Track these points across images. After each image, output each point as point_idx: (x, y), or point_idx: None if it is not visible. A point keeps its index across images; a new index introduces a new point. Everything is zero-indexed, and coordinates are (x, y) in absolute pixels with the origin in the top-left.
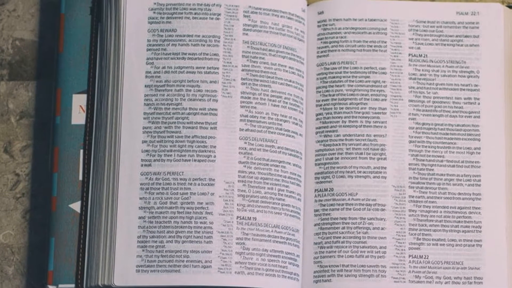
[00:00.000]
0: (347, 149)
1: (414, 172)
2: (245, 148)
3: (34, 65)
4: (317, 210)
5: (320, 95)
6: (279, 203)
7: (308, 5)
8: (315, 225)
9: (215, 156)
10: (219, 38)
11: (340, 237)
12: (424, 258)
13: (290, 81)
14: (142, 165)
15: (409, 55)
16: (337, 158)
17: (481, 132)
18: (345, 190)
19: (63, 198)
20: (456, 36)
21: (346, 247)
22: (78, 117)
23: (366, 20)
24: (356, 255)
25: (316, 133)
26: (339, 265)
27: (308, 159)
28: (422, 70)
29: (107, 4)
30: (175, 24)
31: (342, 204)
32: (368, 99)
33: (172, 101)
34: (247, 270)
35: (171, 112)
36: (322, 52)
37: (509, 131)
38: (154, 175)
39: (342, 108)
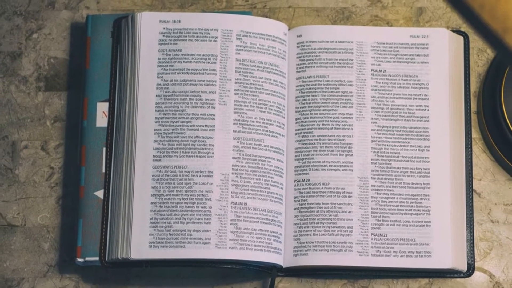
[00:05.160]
0: (320, 147)
1: (375, 166)
2: (238, 147)
3: (66, 79)
4: (296, 197)
5: (299, 103)
6: (265, 191)
7: (289, 29)
8: (294, 209)
9: (213, 153)
10: (216, 56)
11: (315, 219)
12: (384, 236)
13: (274, 91)
14: (153, 160)
15: (371, 70)
16: (313, 155)
17: (430, 133)
18: (319, 180)
19: (89, 187)
20: (410, 55)
21: (320, 227)
22: (101, 121)
23: (336, 42)
24: (328, 234)
25: (296, 134)
26: (314, 241)
27: (289, 155)
28: (382, 83)
29: (125, 29)
30: (181, 45)
31: (317, 192)
32: (338, 106)
33: (178, 108)
34: (239, 245)
35: (177, 117)
36: (300, 68)
37: (452, 132)
38: (163, 168)
39: (316, 113)
